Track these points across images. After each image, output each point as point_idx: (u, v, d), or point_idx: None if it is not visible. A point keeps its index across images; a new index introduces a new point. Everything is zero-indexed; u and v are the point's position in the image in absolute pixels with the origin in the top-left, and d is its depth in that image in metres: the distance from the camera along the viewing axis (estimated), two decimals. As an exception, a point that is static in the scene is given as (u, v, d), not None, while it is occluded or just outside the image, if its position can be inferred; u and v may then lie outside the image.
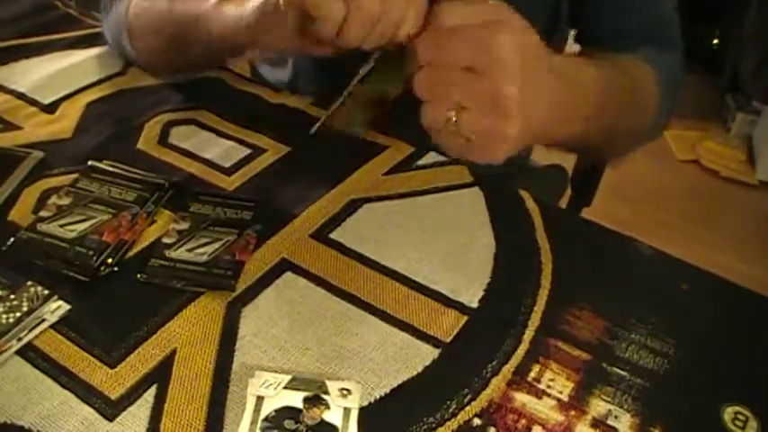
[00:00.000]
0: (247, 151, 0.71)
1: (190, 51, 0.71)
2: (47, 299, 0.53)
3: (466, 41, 0.46)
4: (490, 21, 0.46)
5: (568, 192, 1.06)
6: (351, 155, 0.71)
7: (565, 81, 0.53)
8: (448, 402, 0.49)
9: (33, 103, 0.77)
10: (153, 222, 0.62)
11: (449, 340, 0.53)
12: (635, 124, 0.71)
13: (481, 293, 0.57)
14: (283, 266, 0.58)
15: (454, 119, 0.47)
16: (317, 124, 0.57)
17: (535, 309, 0.56)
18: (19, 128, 0.73)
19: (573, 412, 0.49)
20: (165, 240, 0.59)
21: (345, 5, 0.48)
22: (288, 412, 0.46)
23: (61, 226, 0.59)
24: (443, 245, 0.61)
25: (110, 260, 0.57)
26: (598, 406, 0.49)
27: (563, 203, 1.05)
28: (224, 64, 0.82)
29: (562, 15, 0.77)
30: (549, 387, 0.50)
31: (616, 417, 0.48)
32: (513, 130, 0.47)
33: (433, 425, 0.47)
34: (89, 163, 0.67)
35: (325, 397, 0.47)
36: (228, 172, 0.68)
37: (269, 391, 0.47)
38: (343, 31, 0.49)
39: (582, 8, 0.76)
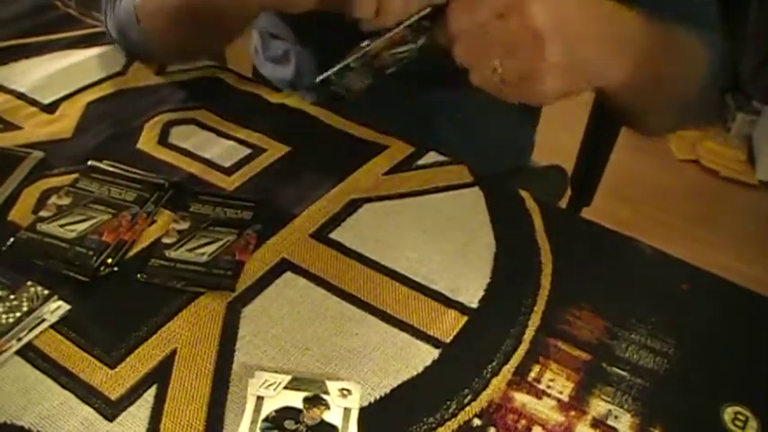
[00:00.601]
0: (247, 151, 0.71)
1: (200, 21, 0.69)
2: (47, 299, 0.53)
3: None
4: None
5: (568, 192, 1.06)
6: (351, 155, 0.71)
7: (610, 17, 0.53)
8: (448, 402, 0.49)
9: (33, 103, 0.77)
10: (153, 222, 0.61)
11: (449, 340, 0.53)
12: (682, 85, 0.69)
13: (481, 293, 0.57)
14: (283, 266, 0.58)
15: (500, 70, 0.48)
16: (327, 73, 0.56)
17: (535, 309, 0.56)
18: (19, 128, 0.73)
19: (573, 412, 0.49)
20: (165, 240, 0.59)
21: None
22: (288, 412, 0.46)
23: (61, 226, 0.59)
24: (443, 245, 0.61)
25: (110, 260, 0.57)
26: (598, 406, 0.49)
27: (563, 203, 1.05)
28: (234, 35, 0.78)
29: None
30: (549, 387, 0.50)
31: (616, 417, 0.48)
32: (556, 57, 0.48)
33: (433, 425, 0.47)
34: (89, 163, 0.67)
35: (325, 397, 0.47)
36: (228, 172, 0.68)
37: (269, 391, 0.47)
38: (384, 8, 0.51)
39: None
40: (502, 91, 0.50)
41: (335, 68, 0.56)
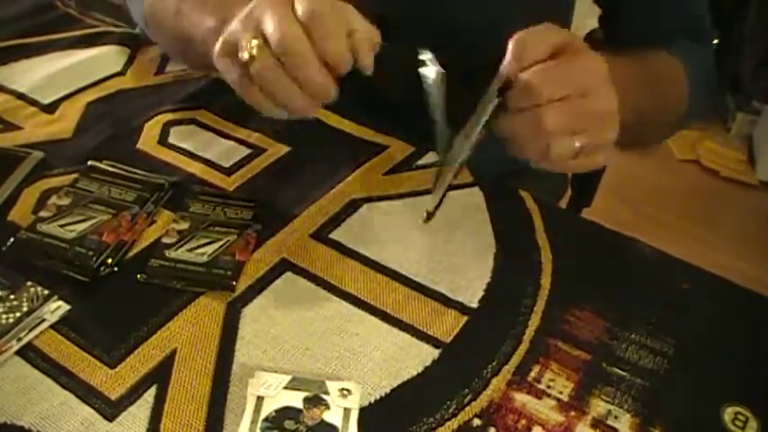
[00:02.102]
0: (247, 151, 0.71)
1: (194, 62, 0.72)
2: (47, 299, 0.53)
3: (566, 73, 0.49)
4: (576, 48, 0.50)
5: (568, 192, 1.06)
6: (351, 155, 0.71)
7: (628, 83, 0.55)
8: (448, 402, 0.49)
9: (33, 103, 0.77)
10: (153, 222, 0.61)
11: (449, 340, 0.53)
12: (666, 120, 0.73)
13: (481, 293, 0.57)
14: (283, 266, 0.58)
15: (578, 144, 0.50)
16: (434, 210, 0.54)
17: (535, 309, 0.56)
18: (19, 128, 0.73)
19: (573, 412, 0.49)
20: (165, 240, 0.59)
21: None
22: (288, 412, 0.46)
23: (61, 226, 0.59)
24: (443, 245, 0.61)
25: (110, 260, 0.57)
26: (598, 406, 0.49)
27: (563, 203, 1.05)
28: None
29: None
30: (549, 387, 0.50)
31: (616, 417, 0.48)
32: (615, 136, 0.51)
33: (433, 425, 0.47)
34: (89, 163, 0.67)
35: (325, 397, 0.47)
36: (228, 172, 0.68)
37: (269, 391, 0.47)
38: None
39: (612, 8, 0.75)
40: (567, 163, 0.52)
41: (439, 202, 0.54)
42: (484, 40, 0.74)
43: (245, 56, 0.49)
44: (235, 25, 0.51)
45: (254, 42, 0.48)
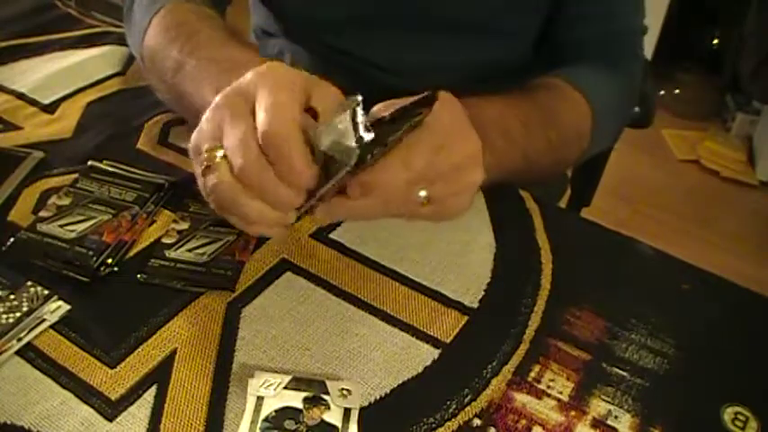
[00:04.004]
0: (247, 151, 0.71)
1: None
2: (47, 299, 0.53)
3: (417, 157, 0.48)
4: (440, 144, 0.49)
5: (568, 192, 1.06)
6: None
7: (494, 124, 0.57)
8: (448, 402, 0.49)
9: (33, 103, 0.77)
10: (153, 222, 0.61)
11: (449, 340, 0.53)
12: (561, 157, 0.73)
13: (481, 293, 0.57)
14: (283, 266, 0.58)
15: (424, 198, 0.49)
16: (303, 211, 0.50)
17: (535, 309, 0.56)
18: (19, 128, 0.73)
19: (573, 412, 0.49)
20: (165, 240, 0.59)
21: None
22: (288, 412, 0.46)
23: (61, 226, 0.59)
24: (443, 245, 0.61)
25: (110, 260, 0.57)
26: (598, 406, 0.49)
27: (563, 203, 1.05)
28: None
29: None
30: (549, 387, 0.50)
31: (616, 417, 0.49)
32: (478, 178, 0.51)
33: (433, 425, 0.47)
34: (89, 163, 0.67)
35: (325, 397, 0.47)
36: (228, 172, 0.68)
37: (269, 391, 0.47)
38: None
39: (554, 12, 0.75)
40: (422, 215, 0.51)
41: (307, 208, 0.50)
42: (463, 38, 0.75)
43: (202, 166, 0.47)
44: (201, 124, 0.49)
45: (217, 154, 0.46)
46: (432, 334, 0.53)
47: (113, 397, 0.48)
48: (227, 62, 0.56)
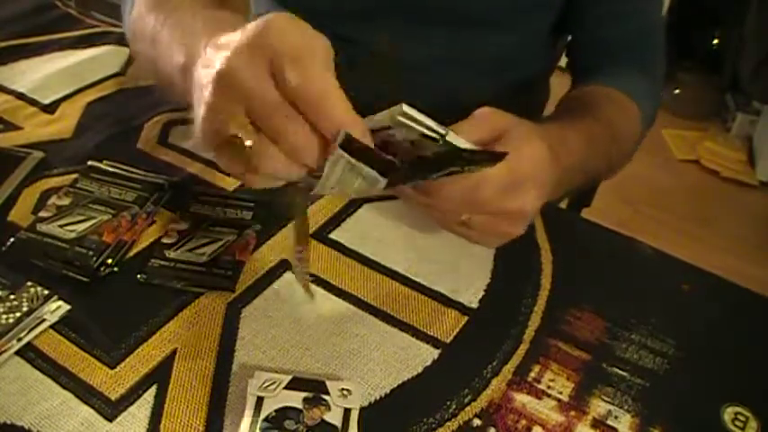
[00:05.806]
0: (247, 151, 0.71)
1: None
2: (47, 299, 0.53)
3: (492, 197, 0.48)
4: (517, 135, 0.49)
5: (568, 192, 1.06)
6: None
7: (560, 163, 0.55)
8: (448, 402, 0.49)
9: (33, 103, 0.77)
10: (153, 222, 0.61)
11: (449, 340, 0.53)
12: (617, 165, 0.74)
13: (481, 293, 0.57)
14: (283, 266, 0.58)
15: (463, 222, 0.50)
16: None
17: (535, 309, 0.56)
18: (19, 128, 0.73)
19: (573, 412, 0.49)
20: (165, 240, 0.59)
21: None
22: (288, 412, 0.46)
23: (61, 226, 0.59)
24: (443, 245, 0.61)
25: (110, 260, 0.57)
26: (598, 406, 0.49)
27: (563, 203, 1.05)
28: None
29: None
30: (549, 387, 0.50)
31: (616, 417, 0.48)
32: (530, 219, 0.52)
33: (433, 425, 0.47)
34: (89, 163, 0.67)
35: (325, 397, 0.47)
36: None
37: (269, 391, 0.47)
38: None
39: (572, 13, 0.76)
40: (453, 230, 0.52)
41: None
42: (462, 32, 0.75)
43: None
44: (208, 98, 0.40)
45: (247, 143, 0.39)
46: (432, 334, 0.53)
47: (113, 397, 0.48)
48: (210, 19, 0.50)
